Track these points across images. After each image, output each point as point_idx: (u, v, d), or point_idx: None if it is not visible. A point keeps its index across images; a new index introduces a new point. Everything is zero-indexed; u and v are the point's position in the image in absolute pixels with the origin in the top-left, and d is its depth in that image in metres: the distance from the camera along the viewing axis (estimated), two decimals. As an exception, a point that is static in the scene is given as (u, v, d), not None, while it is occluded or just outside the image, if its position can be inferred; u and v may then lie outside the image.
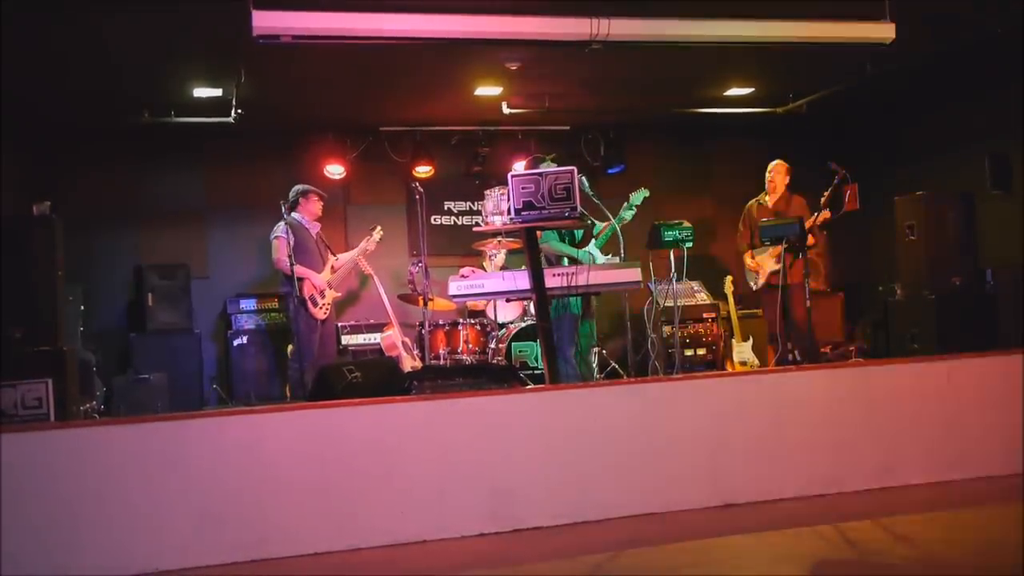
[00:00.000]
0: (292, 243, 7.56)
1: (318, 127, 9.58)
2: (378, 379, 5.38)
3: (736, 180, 9.54)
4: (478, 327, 8.48)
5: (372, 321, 9.27)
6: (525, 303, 8.48)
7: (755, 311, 8.92)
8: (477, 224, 6.82)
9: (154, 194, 9.60)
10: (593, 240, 6.91)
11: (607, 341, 9.30)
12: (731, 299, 9.12)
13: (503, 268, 8.67)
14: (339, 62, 7.70)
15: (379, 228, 8.40)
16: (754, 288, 8.14)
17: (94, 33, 6.81)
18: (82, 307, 8.48)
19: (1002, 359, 5.50)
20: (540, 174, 5.59)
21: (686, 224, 6.70)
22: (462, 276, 6.68)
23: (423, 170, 9.85)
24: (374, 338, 9.06)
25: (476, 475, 4.61)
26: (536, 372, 7.85)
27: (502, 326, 8.56)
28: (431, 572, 4.11)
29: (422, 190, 7.52)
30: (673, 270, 6.81)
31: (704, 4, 6.74)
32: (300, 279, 7.63)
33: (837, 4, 6.84)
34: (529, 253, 5.81)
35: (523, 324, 8.35)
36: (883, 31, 6.91)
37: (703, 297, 9.32)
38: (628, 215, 6.88)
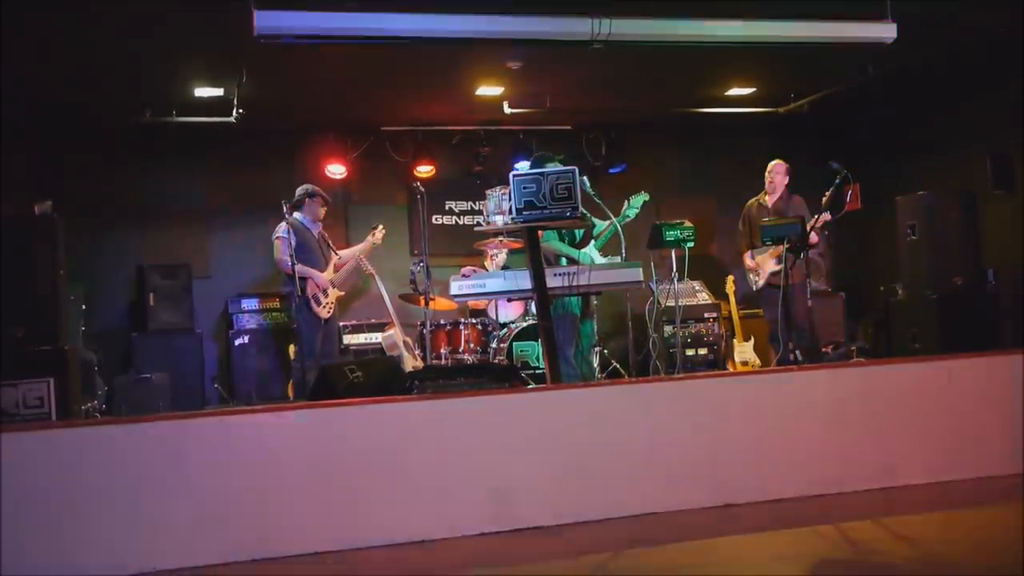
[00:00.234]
0: (294, 243, 7.57)
1: (319, 127, 9.60)
2: (379, 379, 5.38)
3: (737, 180, 9.54)
4: (479, 327, 8.48)
5: (373, 320, 9.28)
6: (526, 303, 8.48)
7: (756, 311, 8.92)
8: (478, 224, 6.82)
9: (156, 194, 9.62)
10: (593, 241, 6.90)
11: (608, 341, 9.30)
12: (732, 299, 9.12)
13: (504, 268, 8.67)
14: (340, 62, 7.71)
15: (381, 227, 8.41)
16: (754, 289, 8.13)
17: (96, 33, 6.82)
18: (84, 307, 8.49)
19: (1004, 359, 5.49)
20: (542, 174, 5.60)
21: (687, 224, 6.69)
22: (463, 276, 6.68)
23: (424, 170, 9.86)
24: (375, 338, 9.06)
25: (477, 474, 4.61)
26: (537, 372, 7.85)
27: (503, 326, 8.56)
28: (432, 572, 4.11)
29: (423, 190, 7.52)
30: (674, 270, 6.81)
31: (705, 4, 6.74)
32: (303, 278, 7.65)
33: (839, 4, 6.83)
34: (530, 253, 5.82)
35: (524, 324, 8.35)
36: (885, 31, 6.91)
37: (704, 297, 9.32)
38: (632, 213, 6.89)
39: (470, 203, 10.38)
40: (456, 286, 6.20)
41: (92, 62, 7.44)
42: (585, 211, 6.00)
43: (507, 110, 9.21)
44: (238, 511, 4.29)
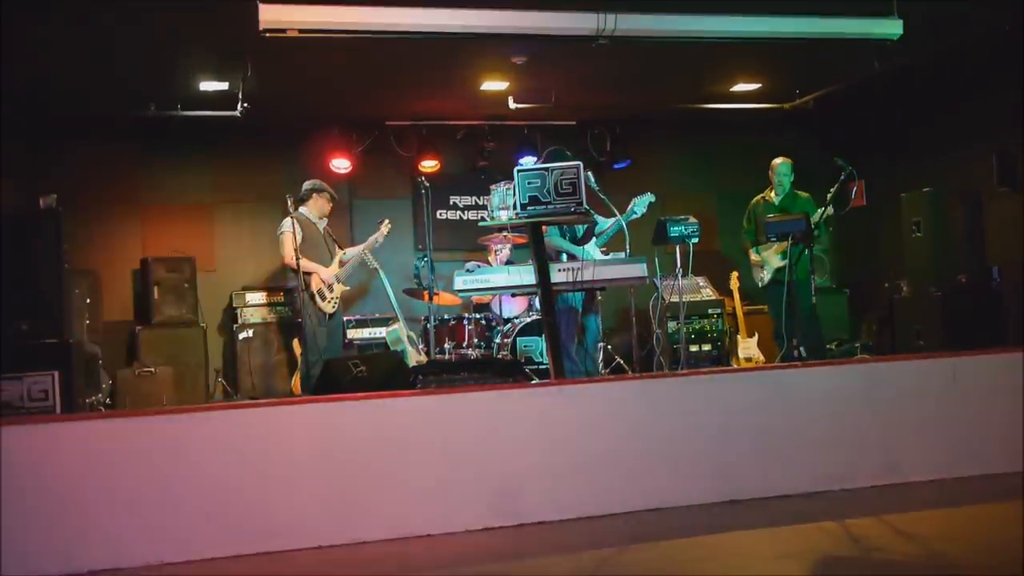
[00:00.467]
0: (299, 238, 7.57)
1: (324, 121, 9.59)
2: (384, 373, 5.37)
3: (742, 176, 9.52)
4: (483, 322, 8.49)
5: (377, 315, 9.29)
6: (530, 298, 8.47)
7: (761, 307, 8.91)
8: (483, 219, 6.81)
9: (160, 187, 9.63)
10: (595, 238, 6.89)
11: (612, 336, 9.30)
12: (737, 295, 9.11)
13: (508, 263, 8.66)
14: (345, 56, 7.70)
15: (387, 221, 8.40)
16: (760, 285, 8.13)
17: (100, 26, 6.82)
18: (88, 300, 8.50)
19: (1008, 356, 5.48)
20: (546, 169, 5.59)
21: (692, 220, 6.68)
22: (467, 271, 6.68)
23: (429, 164, 9.85)
24: (380, 332, 9.07)
25: (481, 469, 4.61)
26: (541, 367, 7.85)
27: (507, 321, 8.56)
28: (435, 566, 4.11)
29: (428, 184, 7.52)
30: (679, 265, 6.80)
31: (711, 0, 6.73)
32: (308, 273, 7.66)
33: (845, 0, 6.82)
34: (535, 248, 5.81)
35: (528, 319, 8.35)
36: (891, 27, 6.90)
37: (709, 293, 9.31)
38: (639, 211, 6.88)
39: (474, 198, 10.37)
40: (460, 281, 6.19)
41: (97, 56, 7.43)
42: (588, 207, 5.99)
43: (512, 105, 9.20)
44: (242, 505, 4.30)
